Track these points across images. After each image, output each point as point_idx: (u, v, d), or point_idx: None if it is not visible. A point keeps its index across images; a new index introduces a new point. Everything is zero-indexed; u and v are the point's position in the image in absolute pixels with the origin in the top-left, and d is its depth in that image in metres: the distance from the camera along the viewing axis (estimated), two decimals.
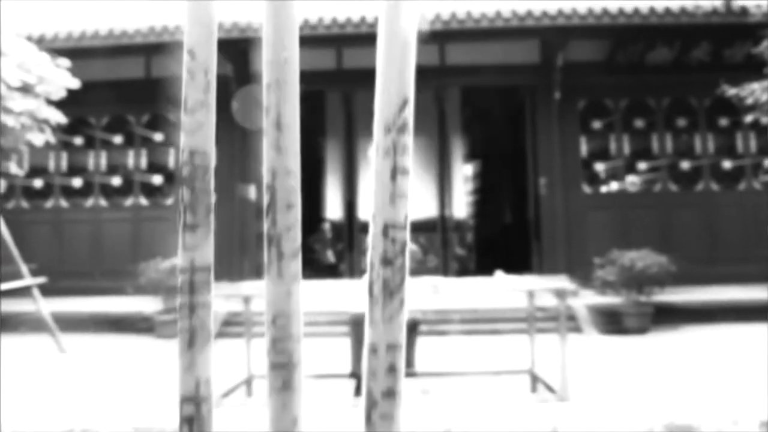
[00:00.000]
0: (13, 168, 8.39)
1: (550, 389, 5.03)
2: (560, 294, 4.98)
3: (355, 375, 5.20)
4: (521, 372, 5.54)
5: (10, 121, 7.06)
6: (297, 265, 0.87)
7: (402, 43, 0.81)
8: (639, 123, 11.04)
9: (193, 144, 0.89)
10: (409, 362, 5.75)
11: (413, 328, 5.83)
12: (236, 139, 10.35)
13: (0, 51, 7.11)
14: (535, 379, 5.36)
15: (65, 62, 7.67)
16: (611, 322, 8.47)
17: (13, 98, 7.08)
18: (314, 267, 12.49)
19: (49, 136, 7.81)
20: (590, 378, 5.83)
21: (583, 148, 11.03)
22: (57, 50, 8.03)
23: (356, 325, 5.28)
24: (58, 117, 7.73)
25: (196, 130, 0.89)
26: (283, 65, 0.84)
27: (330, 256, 12.85)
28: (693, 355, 6.98)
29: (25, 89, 7.29)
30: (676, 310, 8.73)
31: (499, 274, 5.79)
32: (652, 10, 9.38)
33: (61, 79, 7.61)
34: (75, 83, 7.73)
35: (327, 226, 12.98)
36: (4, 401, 5.05)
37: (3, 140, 7.38)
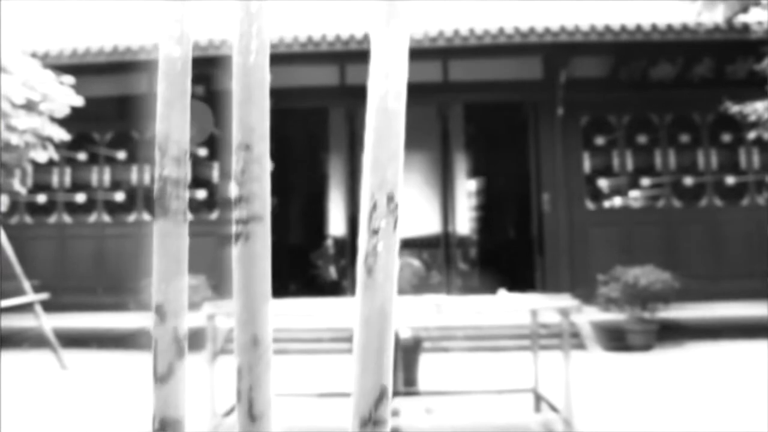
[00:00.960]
0: (17, 185, 8.40)
1: (554, 409, 4.99)
2: (564, 312, 4.95)
3: None
4: (525, 391, 5.50)
5: (14, 138, 7.07)
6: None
7: (378, 328, 0.78)
8: (642, 139, 11.03)
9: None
10: (412, 380, 5.72)
11: (416, 346, 5.80)
12: None
13: (4, 68, 7.13)
14: (538, 399, 5.32)
15: (69, 79, 7.69)
16: (615, 338, 8.41)
17: (18, 116, 7.10)
18: (317, 283, 12.46)
19: (53, 153, 7.82)
20: (595, 397, 5.78)
21: (587, 164, 11.02)
22: (61, 67, 8.06)
23: None
24: (62, 134, 7.74)
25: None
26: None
27: (333, 272, 12.81)
28: (698, 373, 6.93)
29: (29, 107, 7.31)
30: (681, 327, 8.67)
31: (502, 293, 5.76)
32: (654, 27, 9.41)
33: (65, 96, 7.62)
34: (79, 100, 7.74)
35: (330, 242, 12.96)
36: (4, 418, 5.02)
37: (6, 158, 7.39)
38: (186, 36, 0.86)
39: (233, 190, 0.81)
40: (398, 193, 0.78)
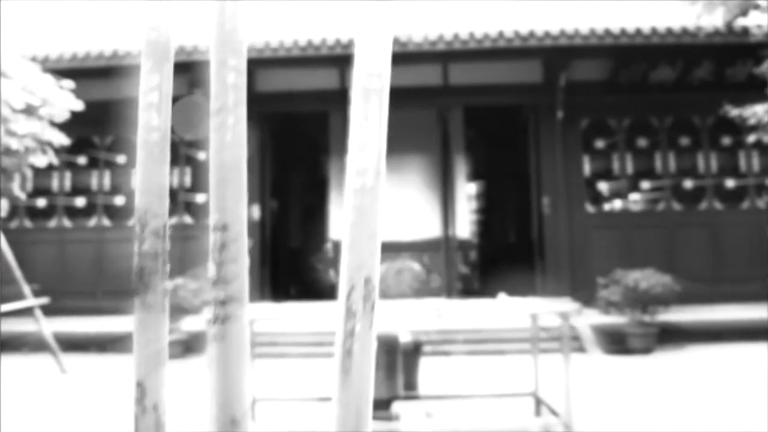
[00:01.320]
0: (16, 189, 8.39)
1: (554, 413, 4.98)
2: (564, 316, 4.94)
3: None
4: (525, 394, 5.49)
5: (13, 143, 7.06)
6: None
7: (355, 424, 0.77)
8: (642, 142, 11.04)
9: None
10: (412, 384, 5.71)
11: (416, 350, 5.80)
12: None
13: (3, 73, 7.13)
14: (539, 402, 5.31)
15: (69, 84, 7.69)
16: (615, 342, 8.41)
17: (17, 120, 7.09)
18: (317, 287, 12.44)
19: (52, 158, 7.81)
20: (595, 401, 5.78)
21: (587, 168, 11.02)
22: (61, 71, 8.05)
23: None
24: (62, 138, 7.74)
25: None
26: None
27: (333, 276, 12.80)
28: (699, 376, 6.92)
29: (29, 111, 7.30)
30: (681, 330, 8.67)
31: (503, 297, 5.76)
32: (654, 30, 9.41)
33: (65, 100, 7.62)
34: (78, 105, 7.73)
35: (330, 245, 12.95)
36: (4, 422, 5.01)
37: (6, 162, 7.38)
38: (165, 108, 0.85)
39: (210, 270, 0.79)
40: (375, 275, 0.77)
